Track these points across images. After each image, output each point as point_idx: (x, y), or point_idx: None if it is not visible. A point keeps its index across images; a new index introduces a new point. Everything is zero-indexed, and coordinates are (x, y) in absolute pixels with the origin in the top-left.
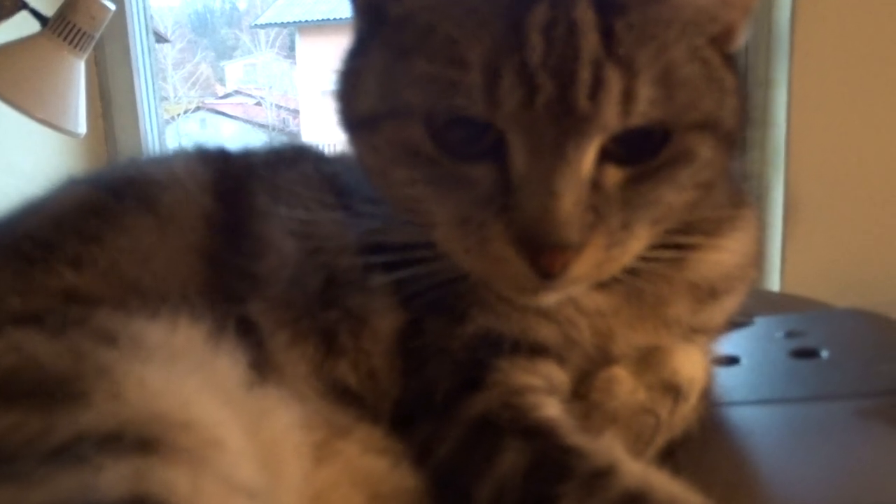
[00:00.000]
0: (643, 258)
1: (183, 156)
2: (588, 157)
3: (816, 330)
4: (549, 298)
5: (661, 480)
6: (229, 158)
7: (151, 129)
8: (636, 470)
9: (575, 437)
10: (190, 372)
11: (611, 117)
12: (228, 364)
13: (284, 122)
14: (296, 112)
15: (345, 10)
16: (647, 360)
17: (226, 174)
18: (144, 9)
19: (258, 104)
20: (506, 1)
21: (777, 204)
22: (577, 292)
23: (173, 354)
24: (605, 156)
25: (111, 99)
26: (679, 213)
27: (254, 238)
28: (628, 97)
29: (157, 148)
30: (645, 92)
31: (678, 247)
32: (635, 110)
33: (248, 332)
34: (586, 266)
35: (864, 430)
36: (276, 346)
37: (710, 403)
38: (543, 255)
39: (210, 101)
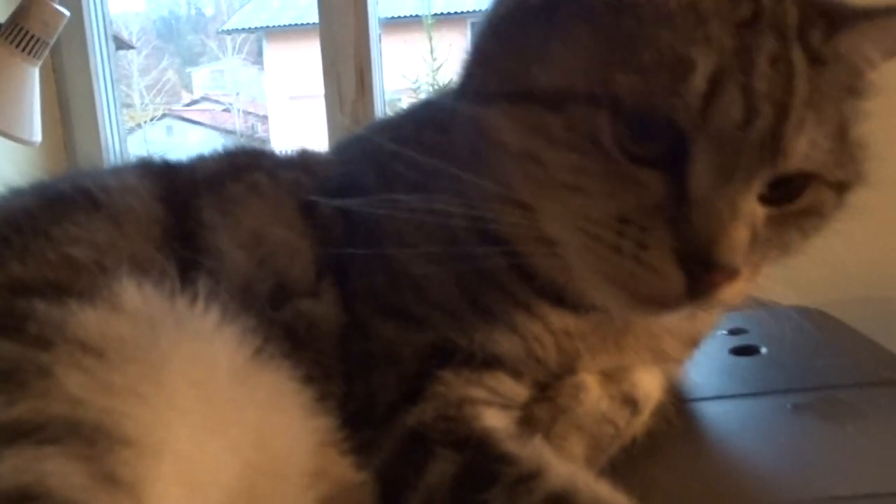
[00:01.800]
0: None
1: (130, 168)
2: (756, 191)
3: (758, 328)
4: (667, 316)
5: (587, 482)
6: (174, 171)
7: (112, 137)
8: (563, 472)
9: (508, 444)
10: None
11: (798, 158)
12: (223, 343)
13: (253, 129)
14: (264, 118)
15: (312, 15)
16: (610, 373)
17: (172, 188)
18: (103, 15)
19: (226, 110)
20: (736, 20)
21: None
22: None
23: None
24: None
25: (70, 106)
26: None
27: (206, 247)
28: (814, 144)
29: (118, 156)
30: (826, 143)
31: None
32: (815, 157)
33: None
34: (731, 293)
35: (799, 424)
36: (253, 328)
37: (660, 420)
38: (707, 274)
39: (177, 107)
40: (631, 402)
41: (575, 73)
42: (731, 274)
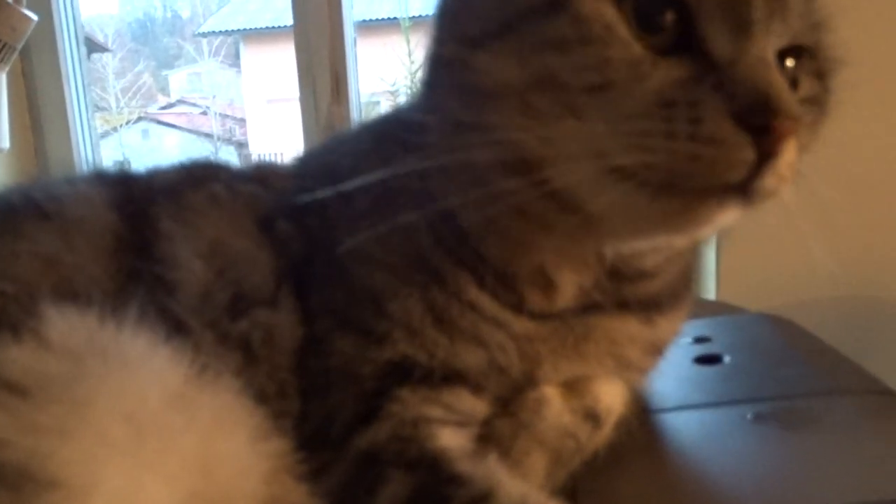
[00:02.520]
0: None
1: (84, 177)
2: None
3: (722, 336)
4: (719, 215)
5: (539, 501)
6: (131, 180)
7: (84, 142)
8: (515, 493)
9: (461, 464)
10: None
11: (796, 17)
12: (162, 365)
13: (231, 132)
14: (242, 121)
15: (290, 18)
16: (572, 385)
17: (128, 197)
18: (74, 18)
19: (203, 113)
20: None
21: None
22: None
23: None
24: None
25: (40, 111)
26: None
27: (163, 257)
28: (802, 11)
29: (90, 161)
30: (807, 11)
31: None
32: (805, 24)
33: (176, 329)
34: (790, 158)
35: (759, 435)
36: (205, 343)
37: (622, 433)
38: (770, 125)
39: (153, 111)
40: (593, 416)
41: None
42: (793, 121)
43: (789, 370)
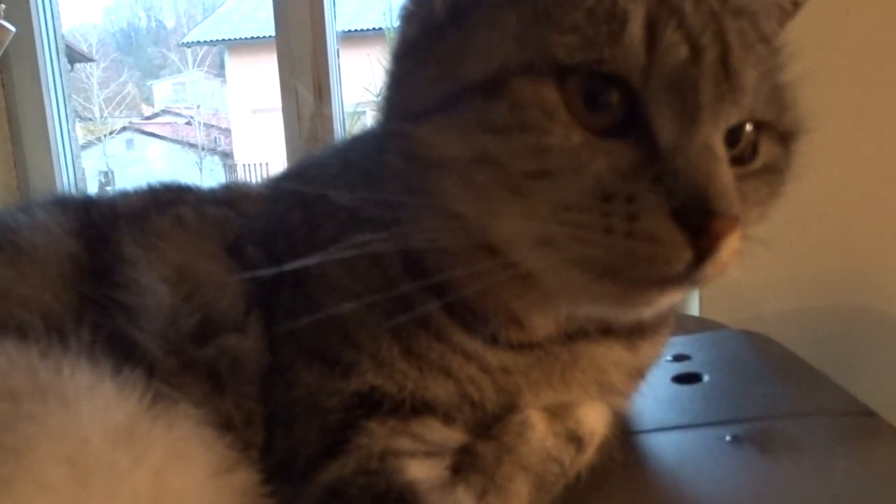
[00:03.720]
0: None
1: (45, 202)
2: (722, 136)
3: (702, 353)
4: (667, 298)
5: None
6: (93, 205)
7: (65, 153)
8: None
9: (430, 498)
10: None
11: (750, 100)
12: (109, 397)
13: (215, 142)
14: (227, 131)
15: (273, 28)
16: (555, 409)
17: (89, 223)
18: (55, 28)
19: (188, 123)
20: None
21: None
22: (666, 305)
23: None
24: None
25: (20, 122)
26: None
27: (125, 282)
28: (758, 86)
29: (70, 171)
30: (766, 85)
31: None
32: (758, 99)
33: (134, 355)
34: (732, 248)
35: (736, 457)
36: (166, 371)
37: (604, 456)
38: (710, 223)
39: (137, 121)
40: (576, 440)
41: (507, 51)
42: (732, 220)
43: (767, 389)
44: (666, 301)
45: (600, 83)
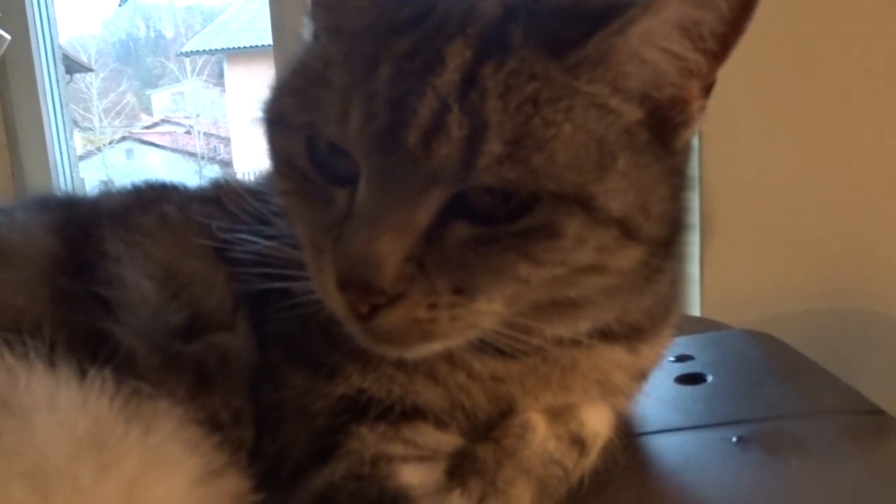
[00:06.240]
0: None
1: (22, 205)
2: (426, 205)
3: (705, 353)
4: (387, 351)
5: None
6: (75, 204)
7: (62, 162)
8: None
9: (426, 503)
10: None
11: (448, 168)
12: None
13: (215, 150)
14: (226, 140)
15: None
16: (556, 411)
17: (70, 221)
18: (52, 37)
19: (187, 132)
20: (380, 31)
21: (693, 227)
22: (423, 353)
23: None
24: (459, 209)
25: (17, 131)
26: (540, 292)
27: (107, 278)
28: (471, 150)
29: (68, 180)
30: (492, 147)
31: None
32: (479, 165)
33: (109, 351)
34: (399, 320)
35: (743, 459)
36: (148, 366)
37: (607, 458)
38: (351, 293)
39: (136, 130)
40: (579, 443)
41: (276, 100)
42: (383, 296)
43: (773, 389)
44: (412, 352)
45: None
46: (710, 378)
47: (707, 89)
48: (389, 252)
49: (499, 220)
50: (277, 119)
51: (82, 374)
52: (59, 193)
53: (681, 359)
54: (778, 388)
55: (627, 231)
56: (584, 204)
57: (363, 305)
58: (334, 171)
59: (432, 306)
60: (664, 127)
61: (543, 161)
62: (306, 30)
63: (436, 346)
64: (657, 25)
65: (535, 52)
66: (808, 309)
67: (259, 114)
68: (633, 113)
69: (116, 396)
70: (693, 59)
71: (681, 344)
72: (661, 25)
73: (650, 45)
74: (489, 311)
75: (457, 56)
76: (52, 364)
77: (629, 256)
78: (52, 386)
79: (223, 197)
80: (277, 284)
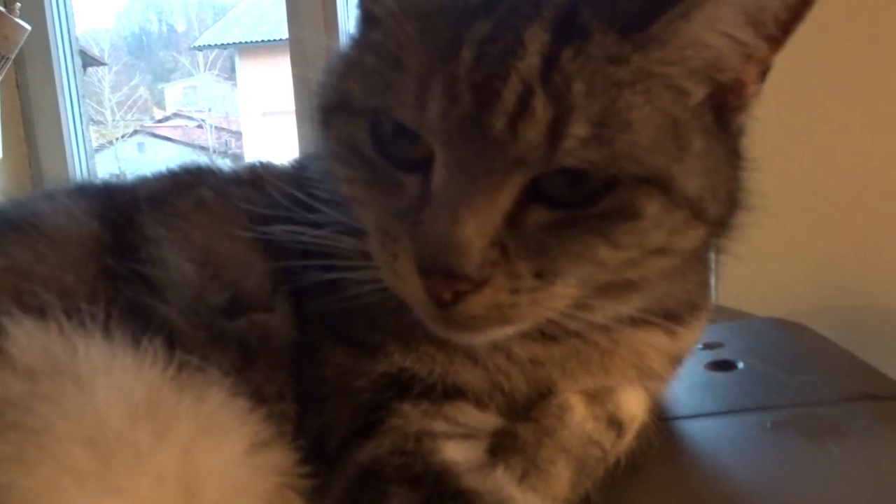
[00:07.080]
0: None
1: (64, 191)
2: (507, 189)
3: (735, 341)
4: (458, 337)
5: None
6: (114, 190)
7: (78, 154)
8: None
9: (468, 479)
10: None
11: (532, 151)
12: (134, 371)
13: (226, 145)
14: (238, 134)
15: (285, 31)
16: (594, 393)
17: (111, 206)
18: (69, 30)
19: (199, 126)
20: (455, 13)
21: (749, 208)
22: (494, 338)
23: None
24: (536, 194)
25: (34, 123)
26: (612, 274)
27: (150, 259)
28: (556, 132)
29: (84, 172)
30: (578, 130)
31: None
32: (564, 148)
33: (156, 327)
34: (482, 305)
35: (779, 443)
36: (194, 343)
37: (643, 441)
38: (435, 280)
39: (148, 124)
40: (616, 424)
41: (332, 88)
42: (468, 281)
43: (806, 376)
44: (470, 339)
45: (402, 125)
46: (740, 365)
47: (763, 74)
48: (475, 237)
49: (573, 204)
50: (339, 106)
51: (135, 343)
52: (95, 181)
53: (710, 346)
54: (810, 375)
55: (698, 212)
56: (663, 185)
57: (447, 292)
58: (400, 156)
59: (514, 291)
60: (723, 109)
61: (627, 143)
62: (353, 19)
63: (508, 331)
64: (723, 11)
65: (609, 33)
66: (820, 304)
67: (314, 101)
68: (700, 94)
69: (168, 366)
70: (754, 44)
71: (709, 331)
72: (727, 11)
73: (713, 29)
74: (565, 295)
75: (535, 39)
76: (107, 333)
77: (694, 237)
78: (108, 353)
79: (259, 181)
80: (335, 275)
